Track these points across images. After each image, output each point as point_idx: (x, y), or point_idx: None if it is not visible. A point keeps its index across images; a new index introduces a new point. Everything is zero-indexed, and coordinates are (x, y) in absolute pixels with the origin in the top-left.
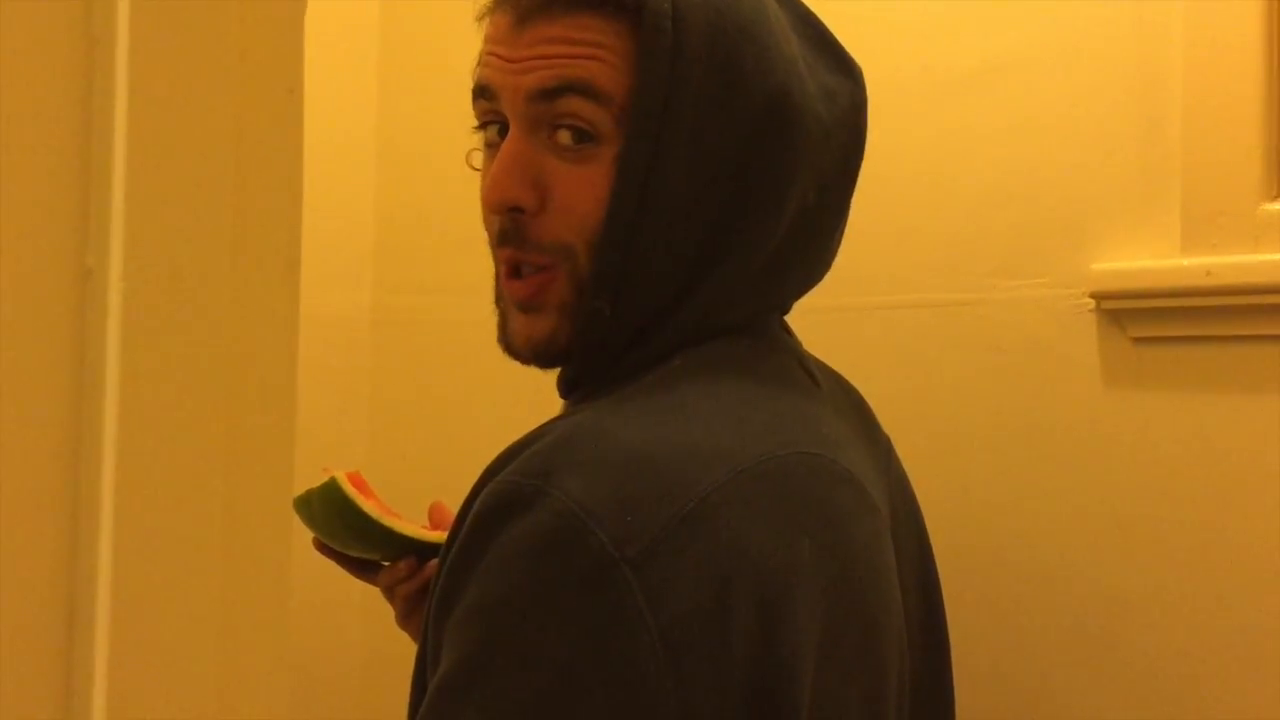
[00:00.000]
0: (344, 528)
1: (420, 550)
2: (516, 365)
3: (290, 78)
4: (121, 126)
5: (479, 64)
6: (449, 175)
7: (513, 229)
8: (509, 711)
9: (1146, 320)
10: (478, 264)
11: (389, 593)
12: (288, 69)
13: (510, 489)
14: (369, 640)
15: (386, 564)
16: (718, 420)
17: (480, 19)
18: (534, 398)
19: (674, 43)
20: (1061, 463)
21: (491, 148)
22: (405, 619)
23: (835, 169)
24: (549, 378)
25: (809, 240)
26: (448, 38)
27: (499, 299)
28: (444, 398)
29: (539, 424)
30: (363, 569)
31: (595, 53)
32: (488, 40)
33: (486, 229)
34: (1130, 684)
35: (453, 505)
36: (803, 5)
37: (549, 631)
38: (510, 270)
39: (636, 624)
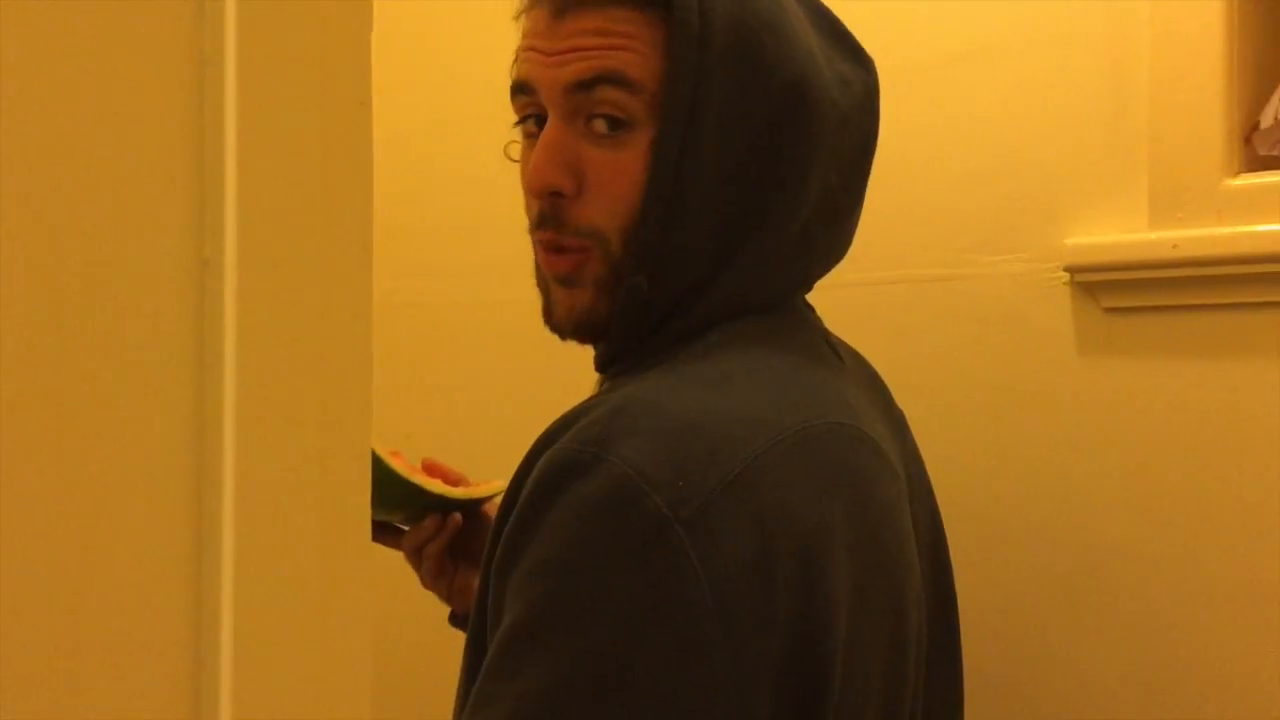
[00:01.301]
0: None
1: (441, 507)
2: (524, 346)
3: (363, 92)
4: (231, 136)
5: (516, 60)
6: (451, 159)
7: (552, 212)
8: (572, 662)
9: (1117, 291)
10: (482, 247)
11: (415, 554)
12: (360, 85)
13: (570, 455)
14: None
15: (405, 528)
16: (758, 392)
17: (517, 17)
18: (541, 377)
19: (701, 33)
20: (1040, 427)
21: (530, 138)
22: (434, 579)
23: (854, 152)
24: (559, 356)
25: (831, 220)
26: (445, 20)
27: (540, 279)
28: (450, 380)
29: (546, 401)
30: (383, 533)
31: (627, 43)
32: (526, 35)
33: (528, 213)
34: (1112, 631)
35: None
36: (816, 0)
37: (609, 587)
38: (548, 248)
39: (690, 578)
